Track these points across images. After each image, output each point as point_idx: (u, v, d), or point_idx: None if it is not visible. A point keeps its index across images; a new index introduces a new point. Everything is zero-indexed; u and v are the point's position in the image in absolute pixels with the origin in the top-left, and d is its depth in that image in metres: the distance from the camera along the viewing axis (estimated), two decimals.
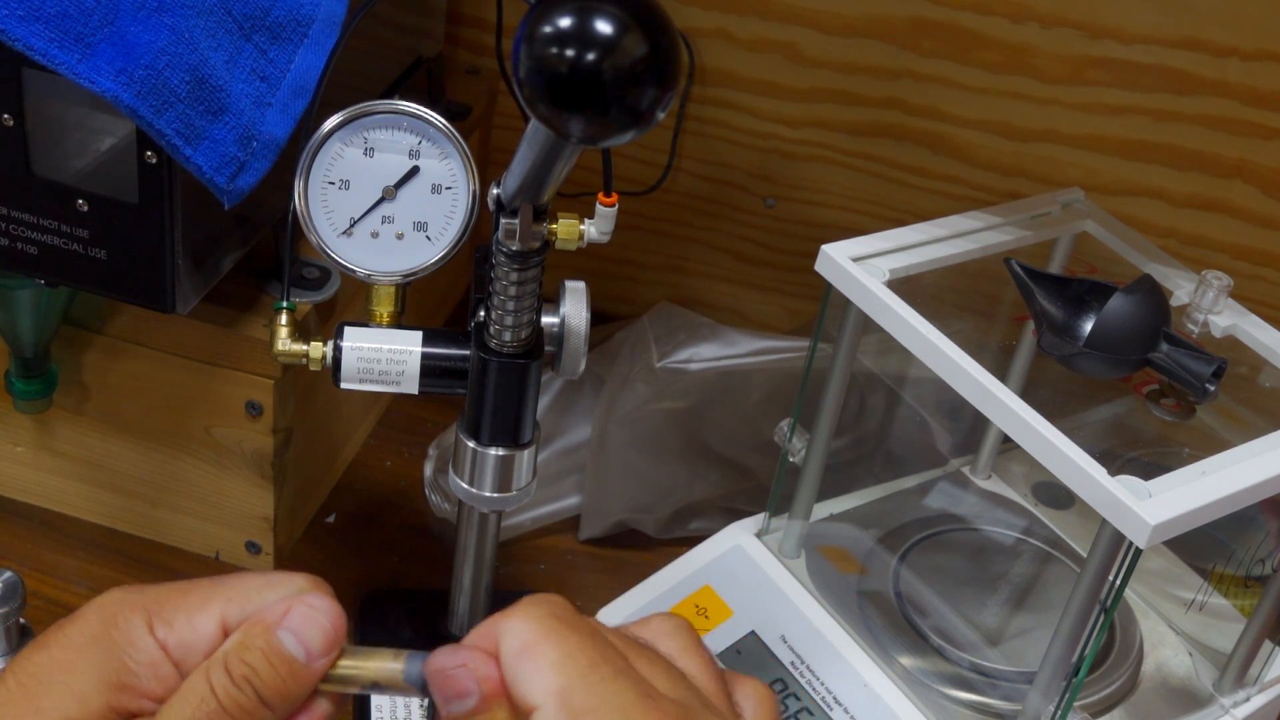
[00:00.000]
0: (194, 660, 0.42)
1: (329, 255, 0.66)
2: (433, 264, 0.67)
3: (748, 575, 0.77)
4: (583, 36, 0.40)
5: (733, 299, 1.05)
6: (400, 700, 0.74)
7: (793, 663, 0.72)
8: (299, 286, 0.77)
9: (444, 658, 0.41)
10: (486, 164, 1.04)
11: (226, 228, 0.72)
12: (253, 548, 0.83)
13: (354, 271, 0.67)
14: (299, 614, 0.42)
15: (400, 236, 0.66)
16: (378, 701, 0.74)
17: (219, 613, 0.43)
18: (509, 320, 0.64)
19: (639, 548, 0.88)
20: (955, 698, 0.71)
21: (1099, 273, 0.71)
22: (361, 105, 0.64)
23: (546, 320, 0.66)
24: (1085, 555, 0.66)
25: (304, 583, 0.44)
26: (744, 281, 1.04)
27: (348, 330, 0.67)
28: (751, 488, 0.88)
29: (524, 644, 0.40)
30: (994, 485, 0.86)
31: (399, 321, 0.68)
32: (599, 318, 0.72)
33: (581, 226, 0.65)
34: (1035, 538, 0.82)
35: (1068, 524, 0.83)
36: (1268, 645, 0.72)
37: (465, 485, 0.69)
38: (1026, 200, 0.77)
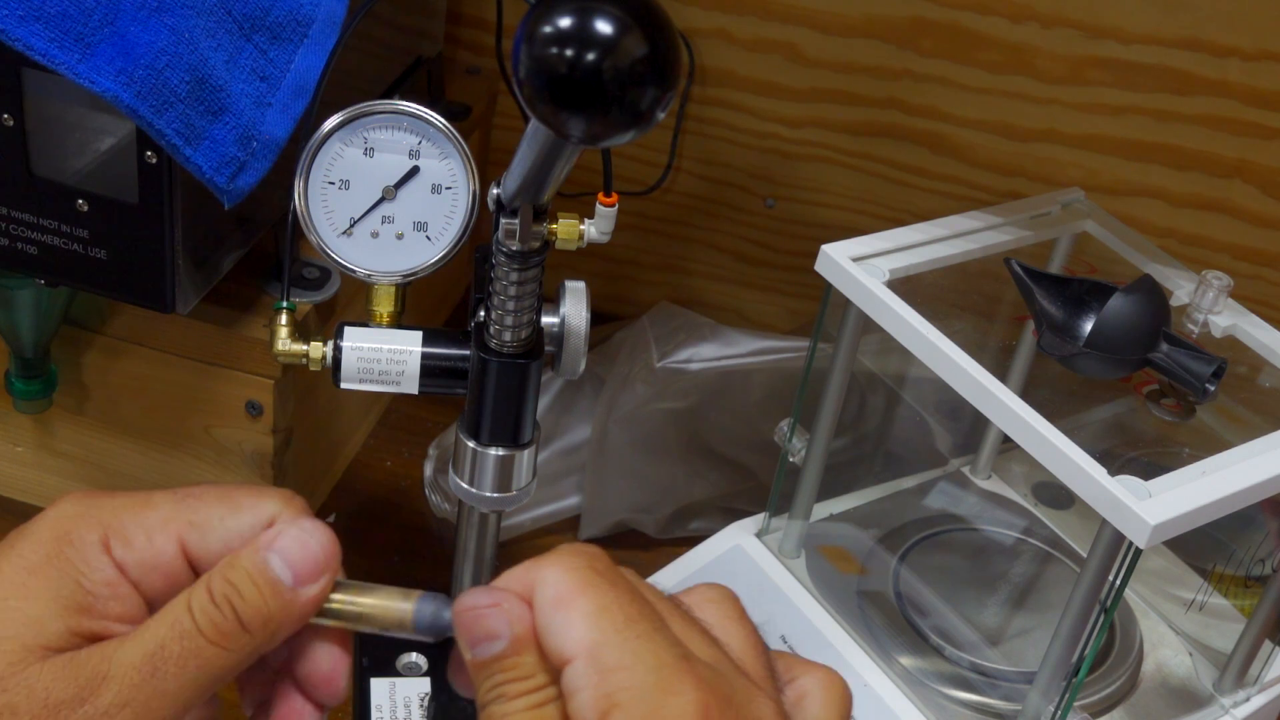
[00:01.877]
0: (153, 580, 0.41)
1: (329, 255, 0.66)
2: (433, 264, 0.67)
3: (748, 575, 0.77)
4: (583, 36, 0.40)
5: (733, 299, 1.05)
6: (400, 701, 0.74)
7: None
8: (299, 286, 0.77)
9: (476, 596, 0.40)
10: (486, 164, 1.04)
11: (226, 228, 0.72)
12: None
13: (354, 271, 0.67)
14: (288, 536, 0.41)
15: (400, 236, 0.66)
16: (378, 701, 0.74)
17: (178, 534, 0.41)
18: (509, 320, 0.64)
19: (639, 548, 0.88)
20: (955, 698, 0.71)
21: (1099, 273, 0.71)
22: (361, 105, 0.64)
23: (546, 320, 0.66)
24: (1085, 555, 0.66)
25: (274, 505, 0.42)
26: (744, 281, 1.04)
27: (348, 330, 0.67)
28: (751, 488, 0.88)
29: (559, 594, 0.39)
30: (994, 485, 0.86)
31: (399, 321, 0.68)
32: (599, 318, 0.72)
33: (581, 226, 0.64)
34: (1035, 538, 0.82)
35: (1068, 524, 0.83)
36: (1268, 645, 0.72)
37: (465, 485, 0.69)
38: (1026, 200, 0.77)
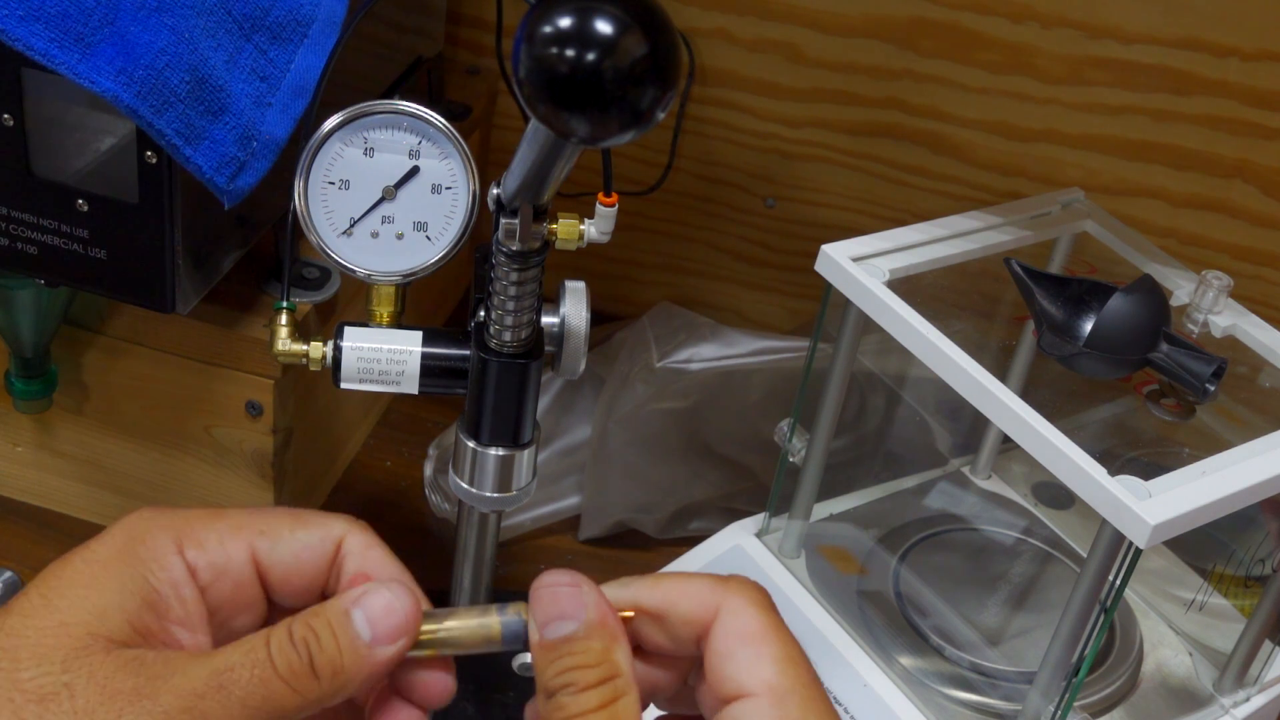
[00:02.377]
0: (221, 586, 0.42)
1: (329, 255, 0.66)
2: (433, 264, 0.67)
3: (748, 575, 0.76)
4: (583, 36, 0.40)
5: (733, 299, 1.05)
6: None
7: None
8: (299, 286, 0.77)
9: (555, 575, 0.41)
10: (486, 164, 1.04)
11: (226, 228, 0.72)
12: None
13: (354, 271, 0.67)
14: (375, 595, 0.41)
15: (400, 236, 0.66)
16: None
17: (249, 542, 0.42)
18: (509, 320, 0.64)
19: (639, 548, 0.88)
20: (955, 698, 0.71)
21: (1099, 273, 0.71)
22: (361, 105, 0.64)
23: (546, 320, 0.66)
24: (1085, 555, 0.66)
25: (342, 525, 0.44)
26: (744, 281, 1.04)
27: (348, 330, 0.67)
28: (751, 488, 0.88)
29: (750, 629, 0.41)
30: (994, 485, 0.86)
31: (399, 321, 0.68)
32: (599, 318, 0.72)
33: (581, 226, 0.64)
34: (1035, 538, 0.82)
35: (1068, 524, 0.83)
36: (1268, 645, 0.72)
37: (465, 485, 0.69)
38: (1026, 200, 0.77)
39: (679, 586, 0.42)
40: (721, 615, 0.41)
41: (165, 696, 0.38)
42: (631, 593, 0.42)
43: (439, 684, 0.43)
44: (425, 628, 0.42)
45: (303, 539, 0.43)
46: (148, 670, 0.39)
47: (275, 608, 0.44)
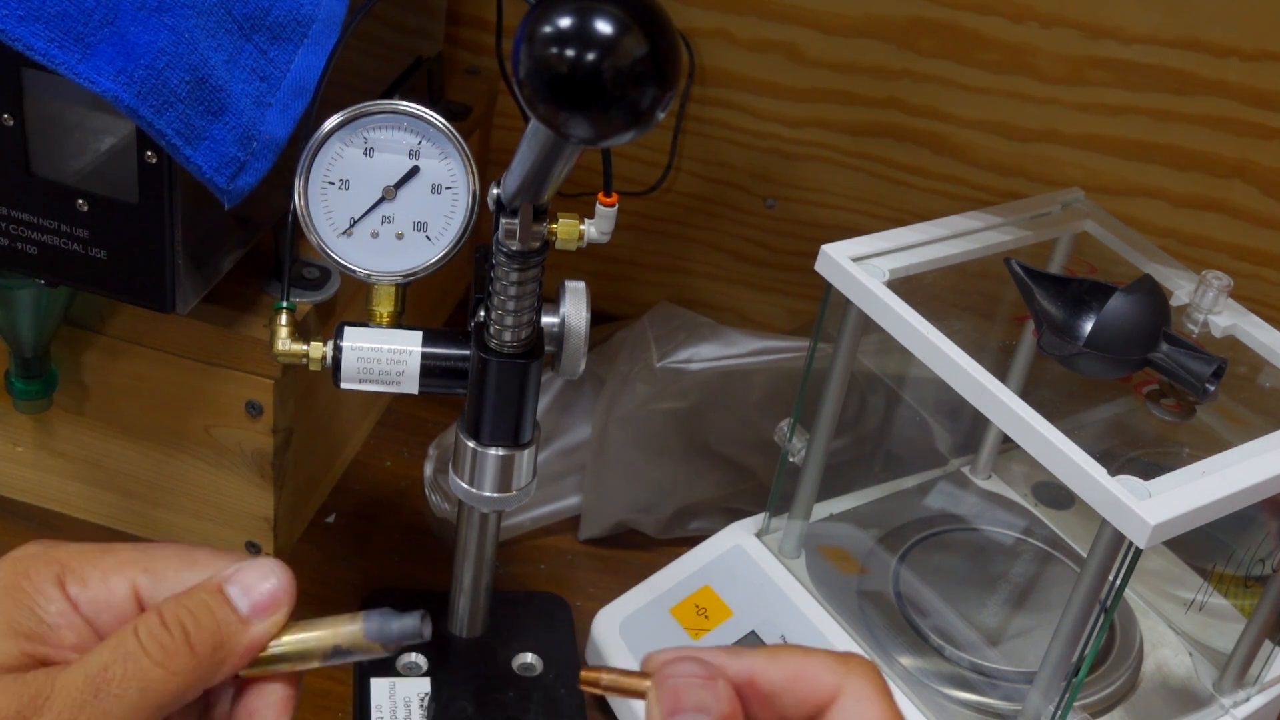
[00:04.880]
0: (105, 619, 0.41)
1: (329, 255, 0.66)
2: (433, 264, 0.67)
3: (748, 575, 0.77)
4: (583, 36, 0.40)
5: (733, 299, 1.05)
6: (400, 700, 0.74)
7: None
8: (299, 286, 0.77)
9: (687, 665, 0.40)
10: (486, 164, 1.04)
11: (226, 228, 0.72)
12: (253, 548, 0.83)
13: (354, 271, 0.67)
14: (249, 569, 0.41)
15: (400, 236, 0.66)
16: (378, 701, 0.74)
17: (132, 579, 0.42)
18: (509, 320, 0.64)
19: (639, 548, 0.88)
20: (955, 698, 0.71)
21: (1099, 273, 0.71)
22: (361, 105, 0.64)
23: (546, 320, 0.66)
24: (1085, 555, 0.66)
25: (231, 564, 0.43)
26: (744, 281, 1.04)
27: (348, 330, 0.67)
28: (751, 488, 0.88)
29: (876, 712, 0.40)
30: (994, 485, 0.86)
31: (399, 321, 0.68)
32: (599, 318, 0.72)
33: (581, 226, 0.65)
34: (1035, 538, 0.82)
35: (1068, 524, 0.83)
36: (1268, 645, 0.72)
37: (465, 485, 0.69)
38: (1026, 200, 0.77)
39: (797, 663, 0.41)
40: (842, 700, 0.40)
41: (46, 714, 0.38)
42: (747, 665, 0.41)
43: (278, 705, 0.42)
44: (286, 638, 0.42)
45: (187, 579, 0.42)
46: (29, 690, 0.39)
47: None
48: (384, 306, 0.68)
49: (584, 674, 0.42)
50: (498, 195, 0.61)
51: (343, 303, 0.79)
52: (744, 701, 0.41)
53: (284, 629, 0.43)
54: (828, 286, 0.70)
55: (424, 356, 0.67)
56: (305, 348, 0.67)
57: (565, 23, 0.40)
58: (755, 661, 0.41)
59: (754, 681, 0.40)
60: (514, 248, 0.62)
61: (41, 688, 0.39)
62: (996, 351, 0.81)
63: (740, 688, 0.40)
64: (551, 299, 0.67)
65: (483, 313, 0.65)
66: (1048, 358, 0.68)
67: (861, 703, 0.40)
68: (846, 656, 0.41)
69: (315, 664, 0.43)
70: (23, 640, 0.40)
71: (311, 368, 0.67)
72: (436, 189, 0.66)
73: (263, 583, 0.41)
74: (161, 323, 0.76)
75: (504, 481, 0.68)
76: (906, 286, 0.69)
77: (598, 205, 0.65)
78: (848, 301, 0.70)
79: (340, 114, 0.64)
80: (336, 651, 0.43)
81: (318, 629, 0.43)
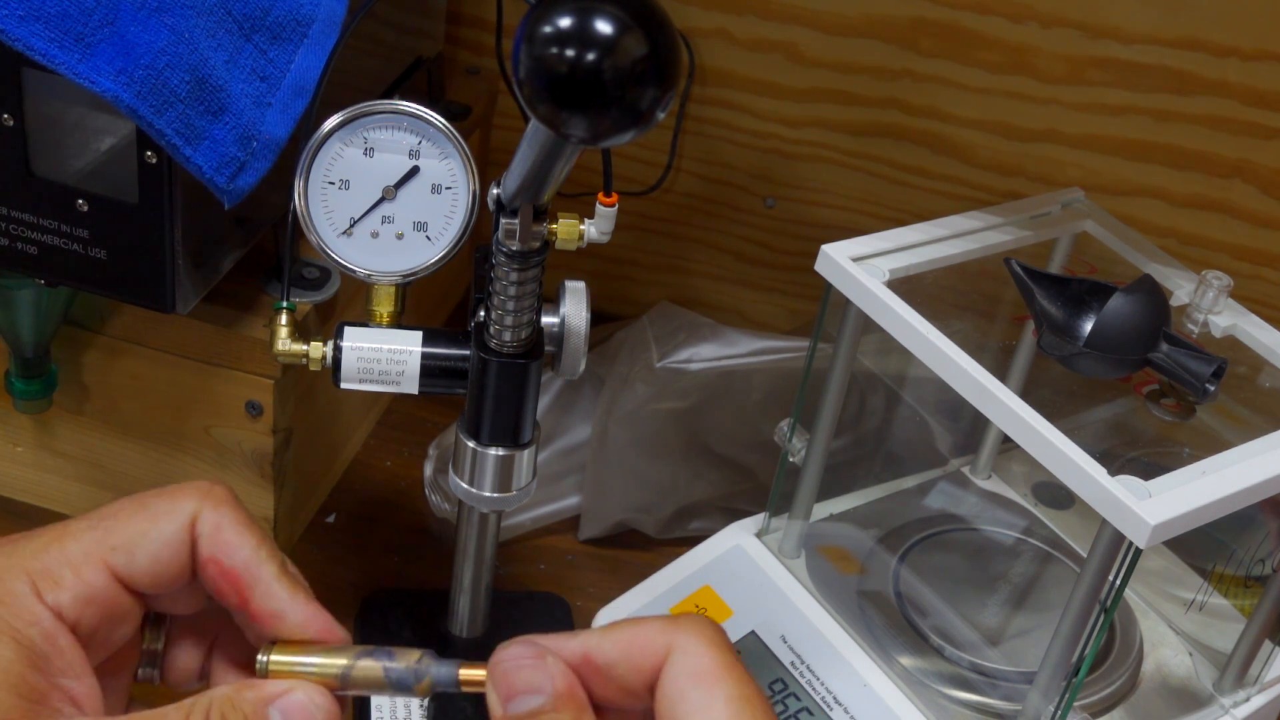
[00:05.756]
0: (89, 615, 0.41)
1: (329, 255, 0.66)
2: (433, 264, 0.67)
3: (748, 575, 0.77)
4: (583, 36, 0.40)
5: (733, 299, 1.05)
6: (400, 701, 0.74)
7: (793, 663, 0.72)
8: (299, 286, 0.77)
9: (516, 649, 0.40)
10: (486, 164, 1.04)
11: (226, 228, 0.72)
12: None
13: (354, 271, 0.67)
14: (297, 702, 0.41)
15: (400, 236, 0.66)
16: (378, 702, 0.74)
17: (104, 561, 0.41)
18: (509, 320, 0.64)
19: (639, 548, 0.88)
20: (955, 698, 0.71)
21: (1099, 273, 0.71)
22: (361, 105, 0.64)
23: (546, 320, 0.66)
24: (1085, 555, 0.66)
25: (192, 504, 0.42)
26: (744, 281, 1.04)
27: (348, 330, 0.67)
28: (751, 488, 0.88)
29: (702, 668, 0.39)
30: (994, 485, 0.86)
31: (399, 321, 0.68)
32: (599, 318, 0.72)
33: (581, 226, 0.65)
34: (1035, 538, 0.82)
35: (1068, 524, 0.83)
36: (1268, 645, 0.72)
37: (465, 485, 0.69)
38: (1026, 200, 0.77)
39: (628, 632, 0.40)
40: (672, 656, 0.39)
41: None
42: (580, 643, 0.41)
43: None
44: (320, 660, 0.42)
45: (156, 537, 0.42)
46: None
47: (148, 599, 0.44)
48: (384, 306, 0.68)
49: (462, 674, 0.42)
50: (498, 195, 0.61)
51: (343, 303, 0.79)
52: (583, 680, 0.40)
53: (312, 651, 0.42)
54: (828, 286, 0.70)
55: (424, 356, 0.67)
56: (305, 348, 0.67)
57: (565, 23, 0.40)
58: (588, 639, 0.41)
59: (589, 658, 0.40)
60: (514, 248, 0.62)
61: None
62: (996, 351, 0.81)
63: (577, 668, 0.40)
64: (551, 299, 0.67)
65: (483, 313, 0.65)
66: (1048, 358, 0.68)
67: (689, 656, 0.39)
68: (676, 617, 0.41)
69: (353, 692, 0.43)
70: (19, 678, 0.39)
71: (311, 368, 0.67)
72: (436, 189, 0.66)
73: (305, 716, 0.41)
74: (161, 323, 0.76)
75: (504, 481, 0.68)
76: (906, 286, 0.69)
77: (598, 205, 0.65)
78: (848, 301, 0.70)
79: (340, 114, 0.64)
80: (348, 681, 0.42)
81: (363, 661, 0.42)
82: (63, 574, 0.41)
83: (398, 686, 0.42)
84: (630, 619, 0.41)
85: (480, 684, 0.41)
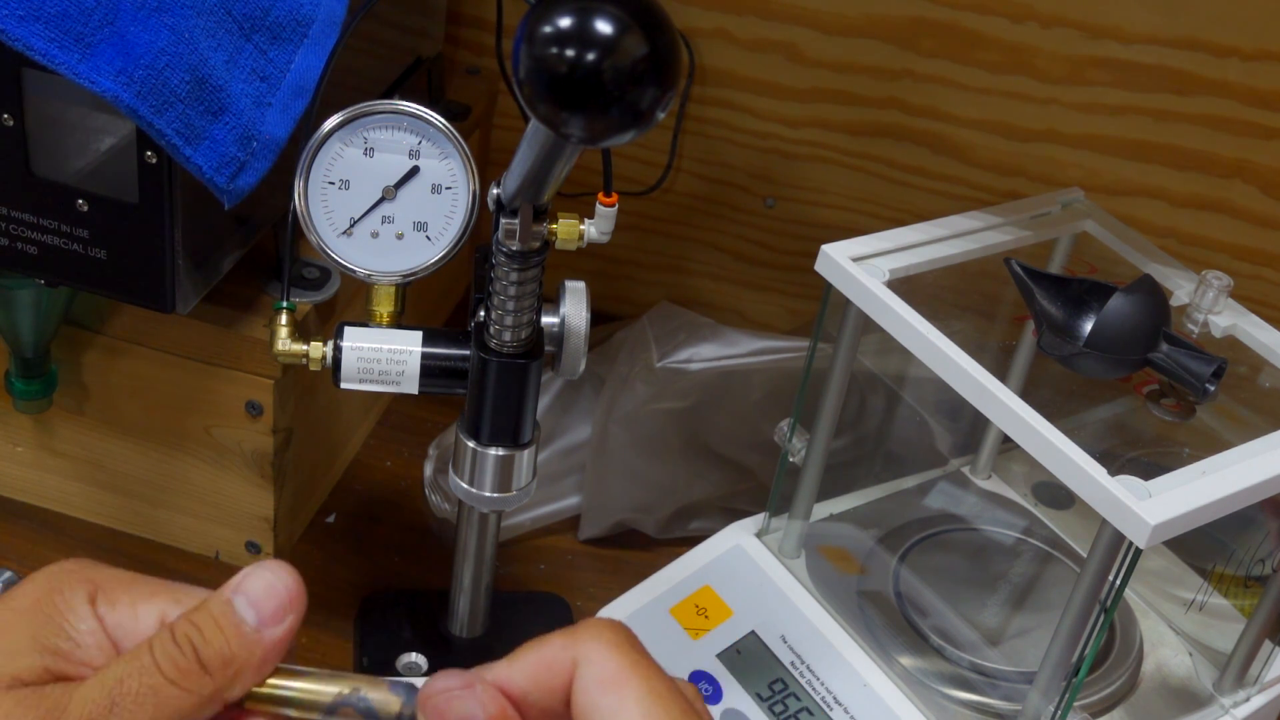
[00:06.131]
0: (129, 645, 0.41)
1: (329, 255, 0.66)
2: (433, 264, 0.67)
3: (748, 575, 0.77)
4: (583, 36, 0.40)
5: (733, 299, 1.05)
6: None
7: (793, 663, 0.72)
8: (299, 286, 0.77)
9: (446, 679, 0.39)
10: (486, 164, 1.04)
11: (226, 228, 0.72)
12: (252, 548, 0.83)
13: (354, 271, 0.67)
14: (254, 577, 0.41)
15: (400, 236, 0.66)
16: None
17: (162, 610, 0.41)
18: (509, 320, 0.64)
19: (639, 548, 0.88)
20: (955, 698, 0.71)
21: (1099, 273, 0.71)
22: (361, 105, 0.64)
23: (546, 320, 0.66)
24: (1085, 555, 0.66)
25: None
26: (744, 281, 1.04)
27: (348, 330, 0.67)
28: (751, 488, 0.88)
29: (609, 673, 0.39)
30: (994, 485, 0.86)
31: (399, 321, 0.68)
32: (599, 318, 0.72)
33: (581, 226, 0.65)
34: (1035, 538, 0.82)
35: (1068, 524, 0.83)
36: (1268, 645, 0.72)
37: (465, 485, 0.69)
38: (1026, 200, 0.77)
39: (533, 657, 0.40)
40: (579, 668, 0.39)
41: None
42: (492, 677, 0.40)
43: None
44: (272, 681, 0.41)
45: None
46: (47, 702, 0.38)
47: None
48: (384, 306, 0.68)
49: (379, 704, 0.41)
50: (498, 195, 0.61)
51: (343, 303, 0.79)
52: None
53: (300, 677, 0.42)
54: (828, 286, 0.70)
55: (424, 356, 0.67)
56: (305, 348, 0.67)
57: (565, 23, 0.40)
58: (498, 671, 0.40)
59: (504, 691, 0.40)
60: (514, 248, 0.62)
61: (59, 700, 0.39)
62: (996, 351, 0.81)
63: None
64: (551, 299, 0.67)
65: (483, 313, 0.65)
66: (1048, 358, 0.68)
67: (594, 665, 0.39)
68: (576, 627, 0.40)
69: (317, 716, 0.42)
70: (47, 656, 0.40)
71: (311, 368, 0.67)
72: (436, 189, 0.66)
73: (269, 591, 0.41)
74: (161, 323, 0.76)
75: (504, 481, 0.68)
76: (906, 286, 0.69)
77: (598, 205, 0.65)
78: (848, 301, 0.70)
79: (340, 114, 0.64)
80: (341, 704, 0.42)
81: (310, 682, 0.41)
82: (120, 599, 0.41)
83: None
84: (535, 640, 0.40)
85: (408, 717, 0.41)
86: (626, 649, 0.39)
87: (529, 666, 0.40)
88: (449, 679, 0.40)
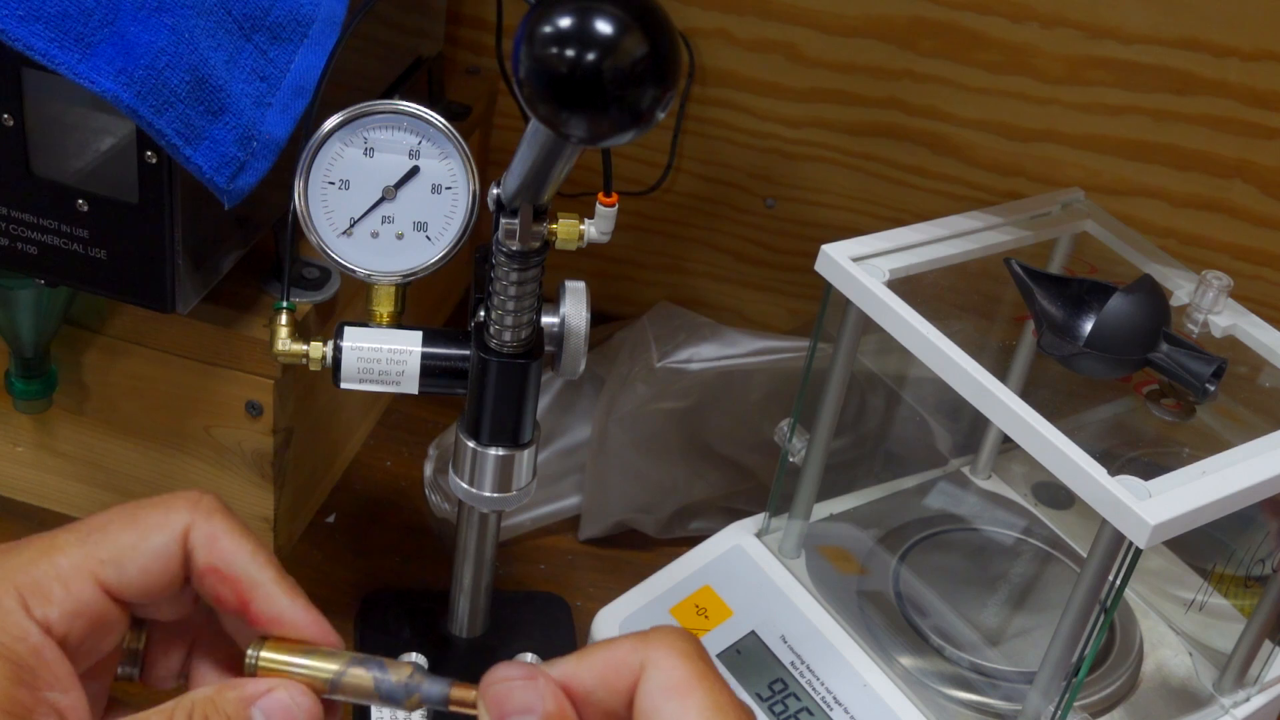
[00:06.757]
0: (78, 627, 0.41)
1: (329, 255, 0.66)
2: (433, 264, 0.67)
3: (748, 575, 0.77)
4: (583, 36, 0.40)
5: (733, 299, 1.05)
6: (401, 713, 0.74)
7: (793, 663, 0.72)
8: (299, 286, 0.77)
9: (507, 669, 0.40)
10: (486, 164, 1.04)
11: (226, 228, 0.72)
12: None
13: (354, 271, 0.67)
14: (279, 701, 0.41)
15: (400, 236, 0.66)
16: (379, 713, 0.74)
17: (94, 574, 0.41)
18: (509, 320, 0.64)
19: (639, 548, 0.88)
20: (955, 698, 0.71)
21: (1099, 273, 0.71)
22: (361, 105, 0.64)
23: (546, 320, 0.66)
24: (1085, 555, 0.66)
25: (184, 516, 0.42)
26: (744, 281, 1.04)
27: (348, 330, 0.67)
28: (751, 488, 0.88)
29: (674, 681, 0.39)
30: (994, 485, 0.86)
31: (399, 321, 0.68)
32: (599, 318, 0.72)
33: (581, 226, 0.65)
34: (1035, 538, 0.82)
35: (1068, 524, 0.83)
36: (1268, 645, 0.72)
37: (465, 485, 0.69)
38: (1026, 200, 0.77)
39: (602, 656, 0.40)
40: (646, 672, 0.39)
41: None
42: (558, 673, 0.41)
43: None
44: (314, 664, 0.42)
45: (146, 550, 0.42)
46: None
47: (133, 607, 0.44)
48: (384, 306, 0.68)
49: (453, 694, 0.42)
50: (498, 195, 0.61)
51: (343, 303, 0.79)
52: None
53: (304, 652, 0.42)
54: (828, 286, 0.70)
55: (424, 356, 0.67)
56: (305, 348, 0.67)
57: (565, 23, 0.40)
58: (565, 667, 0.40)
59: (569, 687, 0.40)
60: (514, 248, 0.62)
61: None
62: (996, 351, 0.81)
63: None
64: (551, 299, 0.67)
65: (483, 313, 0.65)
66: (1048, 358, 0.68)
67: (661, 671, 0.39)
68: (648, 632, 0.40)
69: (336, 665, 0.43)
70: (5, 693, 0.39)
71: (311, 368, 0.67)
72: (436, 189, 0.66)
73: (287, 716, 0.41)
74: (161, 323, 0.76)
75: (504, 481, 0.68)
76: (906, 286, 0.69)
77: (598, 205, 0.65)
78: (848, 301, 0.70)
79: (340, 114, 0.64)
80: (337, 686, 0.42)
81: (358, 669, 0.42)
82: (51, 588, 0.41)
83: (387, 699, 0.42)
84: (604, 641, 0.41)
85: (470, 705, 0.41)
86: (695, 659, 0.40)
87: (597, 665, 0.40)
88: (511, 669, 0.40)
